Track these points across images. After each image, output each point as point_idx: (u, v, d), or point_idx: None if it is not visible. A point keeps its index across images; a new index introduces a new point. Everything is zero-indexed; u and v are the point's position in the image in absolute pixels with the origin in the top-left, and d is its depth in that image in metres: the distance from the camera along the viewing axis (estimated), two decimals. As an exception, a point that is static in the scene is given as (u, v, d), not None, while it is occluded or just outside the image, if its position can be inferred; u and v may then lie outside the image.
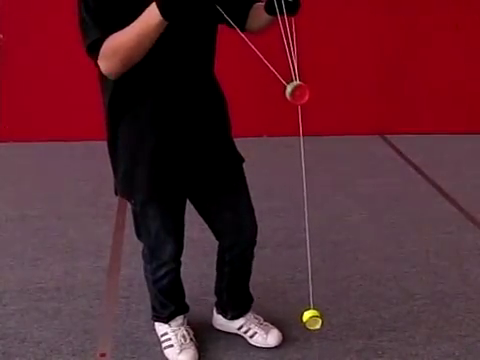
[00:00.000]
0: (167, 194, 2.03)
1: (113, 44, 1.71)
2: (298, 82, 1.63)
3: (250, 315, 2.38)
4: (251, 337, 2.34)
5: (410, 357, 2.32)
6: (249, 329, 2.35)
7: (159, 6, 1.62)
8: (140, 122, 1.92)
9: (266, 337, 2.32)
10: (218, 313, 2.41)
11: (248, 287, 2.37)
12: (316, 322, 1.84)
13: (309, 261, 1.85)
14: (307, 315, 1.84)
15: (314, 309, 1.84)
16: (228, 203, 2.13)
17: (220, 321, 2.41)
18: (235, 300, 2.38)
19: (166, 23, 1.65)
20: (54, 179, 4.06)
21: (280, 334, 2.33)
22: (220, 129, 2.06)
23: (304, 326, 1.85)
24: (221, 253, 2.27)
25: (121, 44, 1.71)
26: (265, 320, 2.38)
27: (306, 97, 1.64)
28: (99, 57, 1.74)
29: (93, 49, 1.74)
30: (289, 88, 1.63)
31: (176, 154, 1.96)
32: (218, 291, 2.38)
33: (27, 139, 4.62)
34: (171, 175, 1.99)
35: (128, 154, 1.96)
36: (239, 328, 2.37)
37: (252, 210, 2.20)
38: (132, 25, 1.69)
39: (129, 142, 1.95)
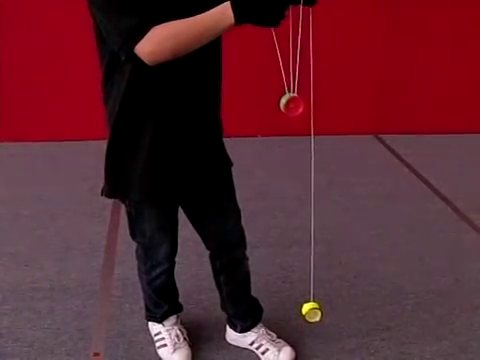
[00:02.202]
0: (162, 195, 2.03)
1: (174, 32, 1.67)
2: (293, 94, 1.64)
3: (263, 330, 2.34)
4: (263, 353, 2.30)
5: (403, 356, 2.33)
6: (261, 345, 2.31)
7: (236, 12, 1.60)
8: (142, 125, 1.90)
9: (278, 354, 2.27)
10: (230, 327, 2.38)
11: (250, 293, 2.35)
12: (316, 314, 1.84)
13: (312, 254, 1.86)
14: (307, 307, 1.84)
15: (314, 301, 1.85)
16: (214, 206, 2.13)
17: (232, 336, 2.38)
18: (240, 310, 2.34)
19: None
20: (49, 179, 4.05)
21: (293, 352, 2.28)
22: (214, 133, 2.06)
23: (304, 318, 1.85)
24: (212, 262, 2.27)
25: (183, 35, 1.67)
26: (278, 336, 2.34)
27: (300, 110, 1.65)
28: (144, 42, 1.67)
29: (134, 36, 1.68)
30: (283, 100, 1.64)
31: (172, 156, 1.96)
32: (223, 305, 2.36)
33: (22, 139, 4.61)
34: (167, 176, 1.98)
35: (127, 155, 1.95)
36: (251, 344, 2.33)
37: (238, 213, 2.19)
38: (199, 18, 1.65)
39: (129, 143, 1.94)
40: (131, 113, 1.88)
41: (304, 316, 1.85)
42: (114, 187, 2.03)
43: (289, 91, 1.64)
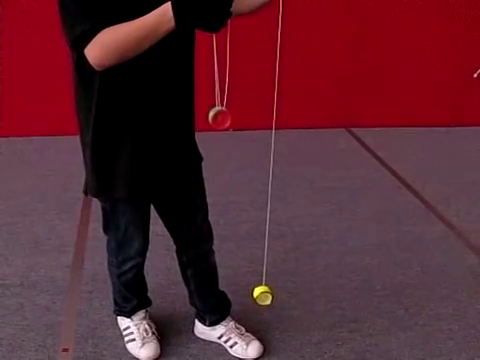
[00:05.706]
0: (145, 192, 2.05)
1: (115, 36, 1.66)
2: (220, 107, 1.70)
3: (232, 324, 2.35)
4: (231, 347, 2.31)
5: (369, 347, 2.36)
6: (229, 338, 2.32)
7: (176, 15, 1.59)
8: (123, 125, 1.91)
9: (246, 348, 2.28)
10: (198, 321, 2.39)
11: (217, 287, 2.36)
12: (267, 297, 1.88)
13: (266, 239, 1.95)
14: (258, 291, 1.88)
15: (265, 285, 1.89)
16: (184, 201, 2.15)
17: (201, 329, 2.38)
18: (209, 304, 2.35)
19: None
20: (18, 174, 4.03)
21: (261, 346, 2.30)
22: (187, 129, 2.07)
23: (255, 302, 1.89)
24: (179, 257, 2.28)
25: (124, 39, 1.66)
26: (247, 330, 2.35)
27: (227, 123, 1.73)
28: (90, 46, 1.67)
29: (82, 39, 1.68)
30: (211, 113, 1.73)
31: (153, 153, 1.97)
32: (191, 299, 2.37)
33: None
34: (149, 173, 1.99)
35: (111, 155, 1.95)
36: (219, 337, 2.34)
37: (206, 207, 2.21)
38: (140, 21, 1.64)
39: (112, 143, 1.93)
40: (110, 111, 1.88)
41: (255, 299, 1.89)
42: (99, 186, 2.02)
43: (217, 104, 1.72)
